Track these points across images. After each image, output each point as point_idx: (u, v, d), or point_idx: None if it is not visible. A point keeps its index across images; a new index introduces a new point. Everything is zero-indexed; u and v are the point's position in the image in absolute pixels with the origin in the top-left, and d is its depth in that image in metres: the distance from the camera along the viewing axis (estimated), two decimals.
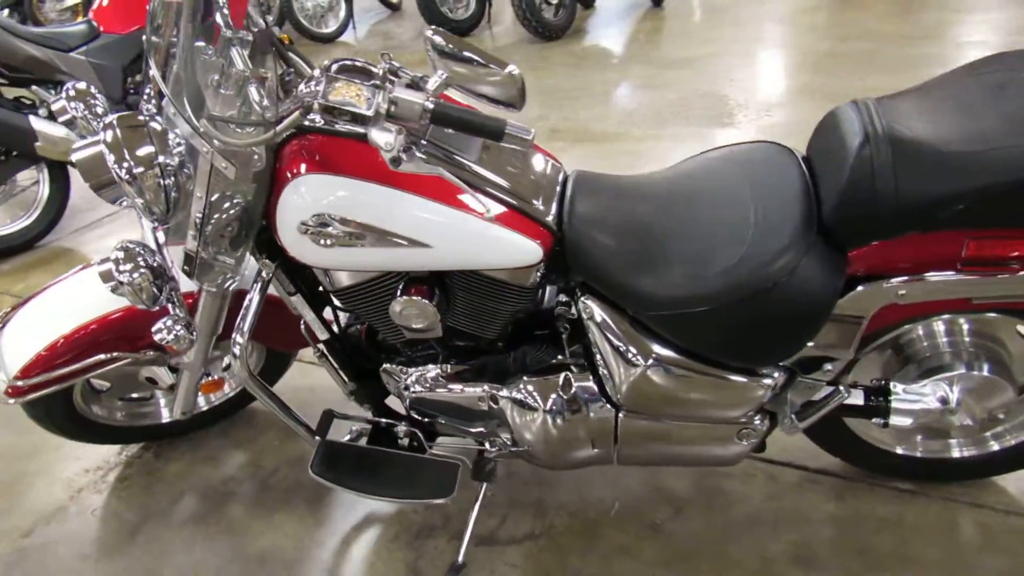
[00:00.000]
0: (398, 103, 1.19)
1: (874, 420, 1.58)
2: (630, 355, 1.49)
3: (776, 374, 1.49)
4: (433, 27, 1.20)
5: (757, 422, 1.54)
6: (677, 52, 5.27)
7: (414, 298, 1.47)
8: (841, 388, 1.51)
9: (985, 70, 1.42)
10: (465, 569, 1.68)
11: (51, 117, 3.28)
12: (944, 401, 1.54)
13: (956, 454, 1.74)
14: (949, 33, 4.84)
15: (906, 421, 1.55)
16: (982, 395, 1.54)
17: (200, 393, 2.01)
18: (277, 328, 1.79)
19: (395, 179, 1.37)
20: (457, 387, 1.65)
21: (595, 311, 1.50)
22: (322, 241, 1.38)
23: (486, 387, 1.63)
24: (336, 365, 1.70)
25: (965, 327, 1.56)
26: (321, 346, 1.68)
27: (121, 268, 1.42)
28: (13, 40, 3.21)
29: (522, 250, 1.41)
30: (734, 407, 1.51)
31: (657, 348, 1.47)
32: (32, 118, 3.22)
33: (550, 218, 1.46)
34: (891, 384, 1.57)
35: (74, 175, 3.58)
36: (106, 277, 1.44)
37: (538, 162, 1.55)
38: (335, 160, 1.36)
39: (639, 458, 1.64)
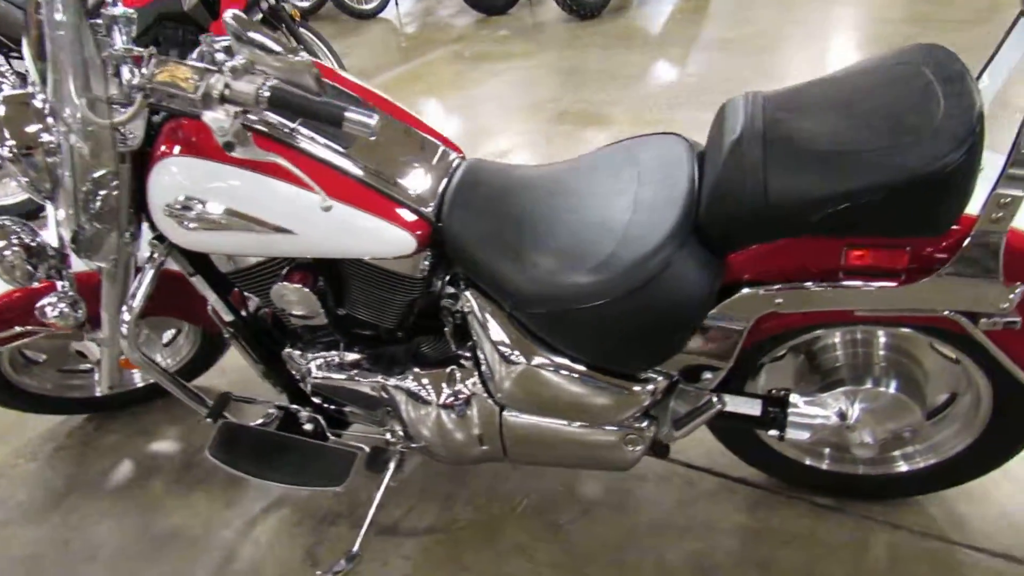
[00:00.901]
0: (232, 87, 1.17)
1: (771, 432, 1.50)
2: (507, 353, 1.44)
3: (657, 380, 1.42)
4: (233, 12, 1.17)
5: (642, 428, 1.48)
6: (715, 33, 5.09)
7: (293, 284, 1.46)
8: (714, 398, 1.44)
9: (895, 62, 1.32)
10: (359, 559, 1.67)
11: None
12: (843, 416, 1.45)
13: (861, 471, 1.64)
14: (998, 16, 4.56)
15: (803, 435, 1.46)
16: (885, 414, 1.44)
17: (130, 369, 2.05)
18: (203, 309, 1.80)
19: (260, 164, 1.35)
20: (353, 376, 1.64)
21: (475, 305, 1.46)
22: (188, 224, 1.37)
23: (380, 377, 1.61)
24: (245, 347, 1.71)
25: (875, 340, 1.47)
26: (228, 327, 1.68)
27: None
28: (14, 11, 3.29)
29: (393, 240, 1.38)
30: (613, 412, 1.45)
31: (533, 347, 1.43)
32: None
33: (429, 208, 1.42)
34: (791, 396, 1.48)
35: None
36: None
37: (431, 150, 1.51)
38: (200, 143, 1.35)
39: (528, 457, 1.60)
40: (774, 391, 1.51)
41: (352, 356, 1.65)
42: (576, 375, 1.42)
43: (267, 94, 1.19)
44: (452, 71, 5.10)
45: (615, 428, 1.48)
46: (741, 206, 1.20)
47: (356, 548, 1.69)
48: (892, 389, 1.43)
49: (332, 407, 1.74)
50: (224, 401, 1.72)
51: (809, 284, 1.27)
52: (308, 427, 1.76)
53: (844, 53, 4.36)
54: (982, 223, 1.15)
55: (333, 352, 1.66)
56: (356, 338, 1.66)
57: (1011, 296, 1.20)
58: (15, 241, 1.45)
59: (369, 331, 1.64)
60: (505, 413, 1.52)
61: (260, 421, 1.79)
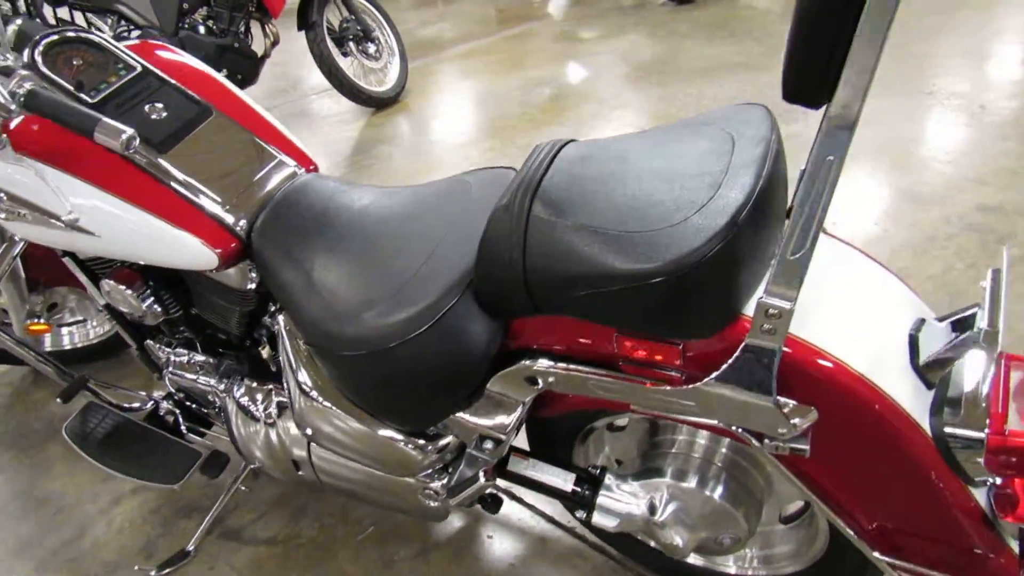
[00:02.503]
0: None
1: (577, 513, 1.35)
2: (305, 386, 1.36)
3: (437, 441, 1.31)
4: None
5: (435, 485, 1.36)
6: None
7: (117, 284, 1.45)
8: (481, 473, 1.30)
9: (705, 122, 1.13)
10: (189, 558, 1.66)
11: None
12: (652, 511, 1.28)
13: (691, 561, 1.46)
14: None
15: (609, 523, 1.30)
16: (703, 519, 1.26)
17: (43, 333, 2.12)
18: None
19: (66, 163, 1.33)
20: (198, 378, 1.61)
21: (283, 330, 1.39)
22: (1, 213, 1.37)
23: (213, 381, 1.58)
24: (120, 329, 1.71)
25: (705, 432, 1.28)
26: (103, 308, 1.70)
27: None
28: None
29: (194, 253, 1.33)
30: (402, 465, 1.34)
31: (326, 385, 1.34)
32: None
33: (242, 223, 1.35)
34: (607, 475, 1.32)
35: None
36: None
37: (266, 162, 1.44)
38: (13, 135, 1.34)
39: (343, 493, 1.52)
40: (592, 467, 1.36)
41: (201, 357, 1.62)
42: (363, 423, 1.33)
43: (23, 97, 1.16)
44: (526, 49, 4.96)
45: (412, 480, 1.38)
46: (502, 273, 1.07)
47: (190, 547, 1.68)
48: (716, 495, 1.24)
49: (191, 404, 1.73)
50: (79, 384, 1.74)
51: (581, 369, 1.12)
52: (170, 420, 1.76)
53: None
54: (753, 334, 0.96)
55: (186, 350, 1.64)
56: (211, 340, 1.63)
57: (792, 421, 1.00)
58: None
59: (222, 335, 1.61)
60: (313, 445, 1.45)
61: (134, 406, 1.81)
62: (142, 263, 1.41)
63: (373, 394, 1.24)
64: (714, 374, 1.01)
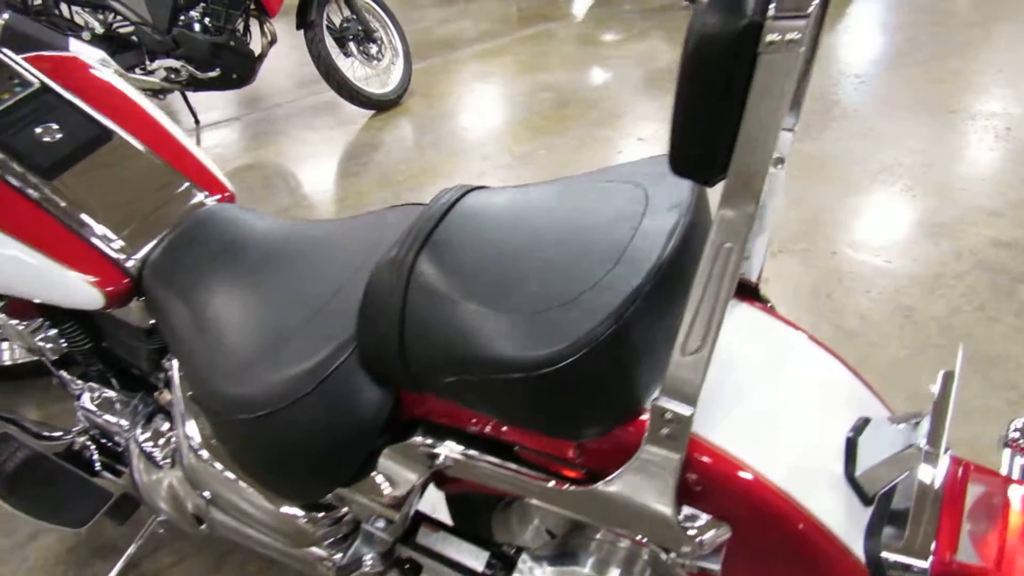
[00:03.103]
0: None
1: None
2: (189, 436, 1.24)
3: (333, 513, 1.18)
4: None
5: (331, 560, 1.23)
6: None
7: (4, 316, 1.34)
8: (370, 558, 1.17)
9: (622, 179, 0.98)
10: None
11: (94, 40, 3.45)
12: None
13: None
14: None
15: None
16: None
17: None
18: None
19: None
20: (103, 414, 1.51)
21: (175, 373, 1.27)
22: None
23: (122, 421, 1.47)
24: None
25: None
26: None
27: None
28: None
29: (77, 291, 1.22)
30: (292, 537, 1.22)
31: (210, 444, 1.22)
32: (72, 40, 3.39)
33: (133, 260, 1.24)
34: (523, 555, 1.18)
35: None
36: None
37: (171, 189, 1.32)
38: None
39: (235, 542, 1.40)
40: (508, 546, 1.22)
41: (112, 394, 1.51)
42: (249, 487, 1.20)
43: None
44: (541, 51, 4.81)
45: (308, 551, 1.25)
46: (379, 342, 0.93)
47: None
48: None
49: (105, 441, 1.62)
50: None
51: (472, 454, 0.98)
52: (86, 456, 1.65)
53: None
54: (650, 438, 0.81)
55: (98, 384, 1.53)
56: (126, 376, 1.52)
57: (699, 539, 0.85)
58: None
59: (136, 371, 1.50)
60: (209, 504, 1.33)
61: (53, 438, 1.71)
62: (20, 297, 1.30)
63: (251, 462, 1.11)
64: (610, 477, 0.87)
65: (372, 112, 4.00)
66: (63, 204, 1.22)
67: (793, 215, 2.77)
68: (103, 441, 1.62)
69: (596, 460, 0.91)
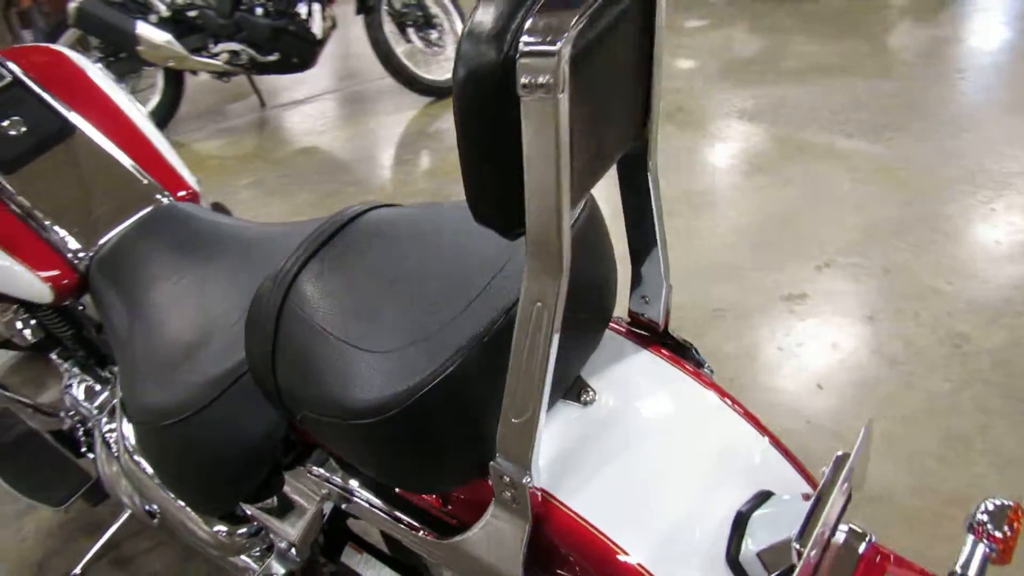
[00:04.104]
0: None
1: None
2: (123, 433, 1.24)
3: (243, 526, 1.15)
4: None
5: (250, 571, 1.20)
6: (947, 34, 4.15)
7: None
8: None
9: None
10: None
11: (160, 23, 3.55)
12: None
13: None
14: None
15: None
16: None
17: None
18: None
19: None
20: (80, 399, 1.53)
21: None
22: None
23: (93, 408, 1.49)
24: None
25: None
26: None
27: None
28: None
29: (27, 285, 1.23)
30: (212, 545, 1.19)
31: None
32: (139, 23, 3.51)
33: (81, 255, 1.24)
34: None
35: (189, 83, 3.88)
36: None
37: (130, 186, 1.31)
38: None
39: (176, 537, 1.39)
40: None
41: (90, 380, 1.54)
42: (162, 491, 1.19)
43: None
44: None
45: (233, 560, 1.23)
46: (258, 364, 0.88)
47: (77, 570, 1.62)
48: None
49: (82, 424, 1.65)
50: None
51: (352, 488, 0.92)
52: (75, 437, 1.69)
53: None
54: (498, 500, 0.74)
55: (79, 369, 1.56)
56: (105, 364, 1.55)
57: None
58: None
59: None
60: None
61: (50, 416, 1.75)
62: None
63: (161, 469, 1.10)
64: (464, 535, 0.80)
65: (430, 99, 3.97)
66: (20, 198, 1.23)
67: (850, 223, 2.56)
68: (88, 425, 1.65)
69: (463, 511, 0.84)
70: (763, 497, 0.78)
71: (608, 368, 0.87)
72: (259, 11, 3.61)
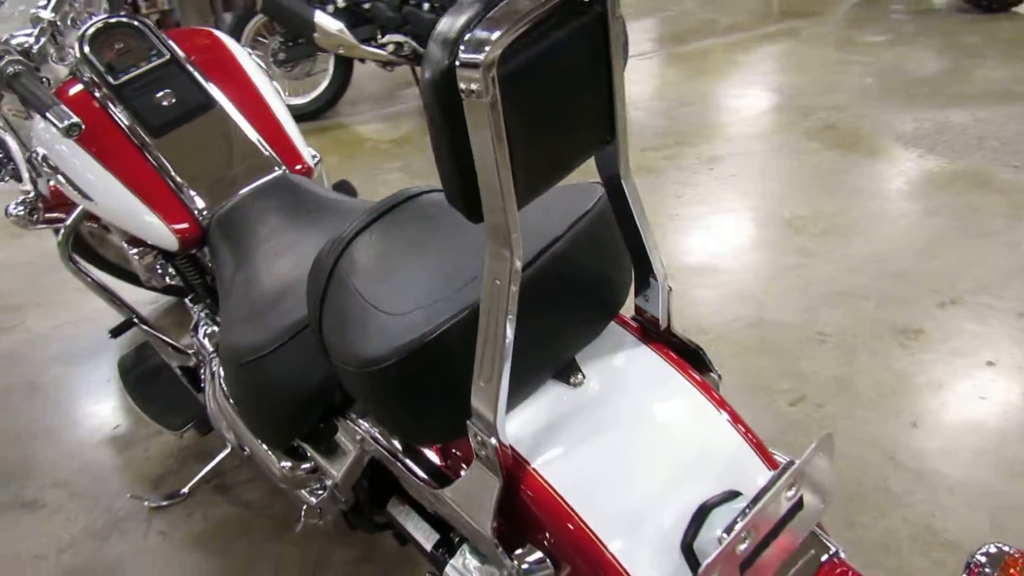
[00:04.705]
0: None
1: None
2: (214, 371, 1.42)
3: (304, 463, 1.29)
4: None
5: (307, 504, 1.34)
6: None
7: (126, 244, 1.61)
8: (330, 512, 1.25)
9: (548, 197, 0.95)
10: (179, 499, 1.83)
11: (336, 13, 3.85)
12: None
13: None
14: None
15: None
16: None
17: None
18: None
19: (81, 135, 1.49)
20: (202, 342, 1.75)
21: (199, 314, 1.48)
22: (44, 169, 1.58)
23: (210, 350, 1.70)
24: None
25: None
26: None
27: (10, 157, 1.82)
28: None
29: (157, 232, 1.44)
30: (279, 478, 1.34)
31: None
32: (317, 12, 3.83)
33: (204, 213, 1.44)
34: (462, 547, 1.20)
35: (357, 70, 4.18)
36: None
37: (252, 157, 1.50)
38: None
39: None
40: (454, 533, 1.25)
41: (214, 328, 1.75)
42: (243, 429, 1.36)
43: (6, 76, 1.33)
44: (777, 50, 4.55)
45: (298, 492, 1.38)
46: (310, 311, 1.01)
47: (185, 490, 1.85)
48: None
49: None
50: (127, 324, 1.96)
51: (376, 438, 1.03)
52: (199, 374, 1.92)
53: None
54: (476, 457, 0.82)
55: (207, 314, 1.78)
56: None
57: (522, 567, 0.83)
58: None
59: None
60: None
61: (181, 352, 2.00)
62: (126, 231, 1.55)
63: (236, 402, 1.26)
64: (451, 486, 0.88)
65: None
66: (162, 159, 1.44)
67: (991, 262, 2.39)
68: (205, 363, 1.88)
69: (459, 467, 0.92)
70: (731, 496, 0.81)
71: (604, 357, 0.92)
72: (426, 6, 3.83)
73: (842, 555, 0.85)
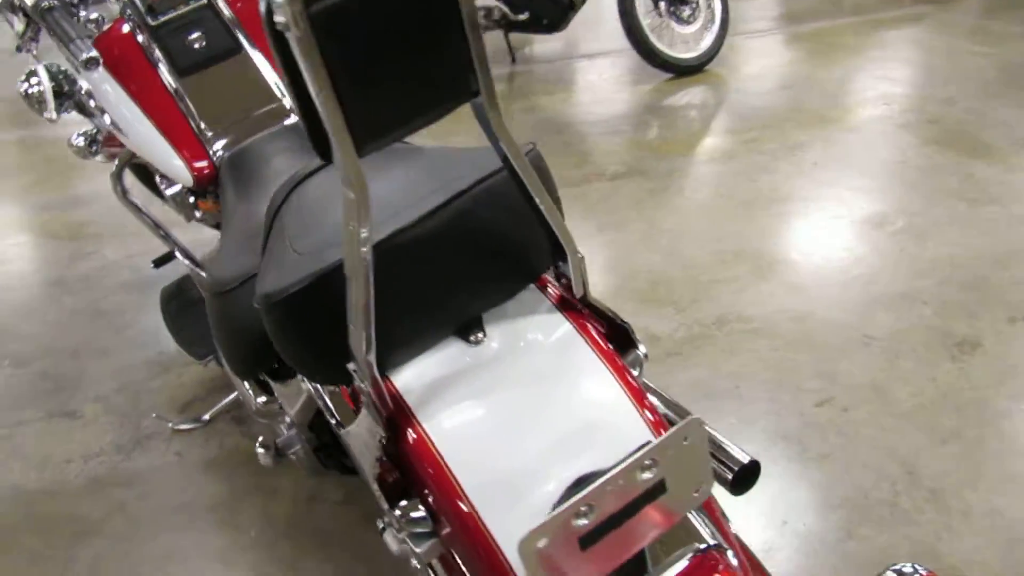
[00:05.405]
0: None
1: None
2: None
3: (268, 398, 1.33)
4: None
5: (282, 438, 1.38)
6: None
7: (158, 177, 1.69)
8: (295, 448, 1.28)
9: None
10: (199, 425, 1.93)
11: None
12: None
13: None
14: None
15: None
16: None
17: None
18: None
19: (116, 69, 1.57)
20: None
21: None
22: (90, 103, 1.69)
23: None
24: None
25: None
26: None
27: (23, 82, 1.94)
28: None
29: (175, 168, 1.52)
30: (252, 404, 1.39)
31: None
32: None
33: (219, 153, 1.49)
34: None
35: None
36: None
37: (268, 102, 1.54)
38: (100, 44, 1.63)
39: None
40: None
41: None
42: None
43: (42, 7, 1.42)
44: (896, 36, 4.25)
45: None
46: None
47: (206, 416, 1.95)
48: None
49: None
50: (168, 257, 2.06)
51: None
52: None
53: None
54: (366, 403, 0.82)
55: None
56: None
57: (401, 519, 0.84)
58: (39, 82, 1.94)
59: None
60: None
61: None
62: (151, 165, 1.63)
63: (212, 332, 1.32)
64: (347, 429, 0.89)
65: (668, 76, 3.92)
66: (187, 98, 1.50)
67: None
68: None
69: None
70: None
71: (511, 319, 0.90)
72: None
73: (729, 552, 0.80)
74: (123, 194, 1.93)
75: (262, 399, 1.35)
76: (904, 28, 4.36)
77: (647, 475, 0.70)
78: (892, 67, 3.83)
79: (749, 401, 1.86)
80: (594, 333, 0.89)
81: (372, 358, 0.76)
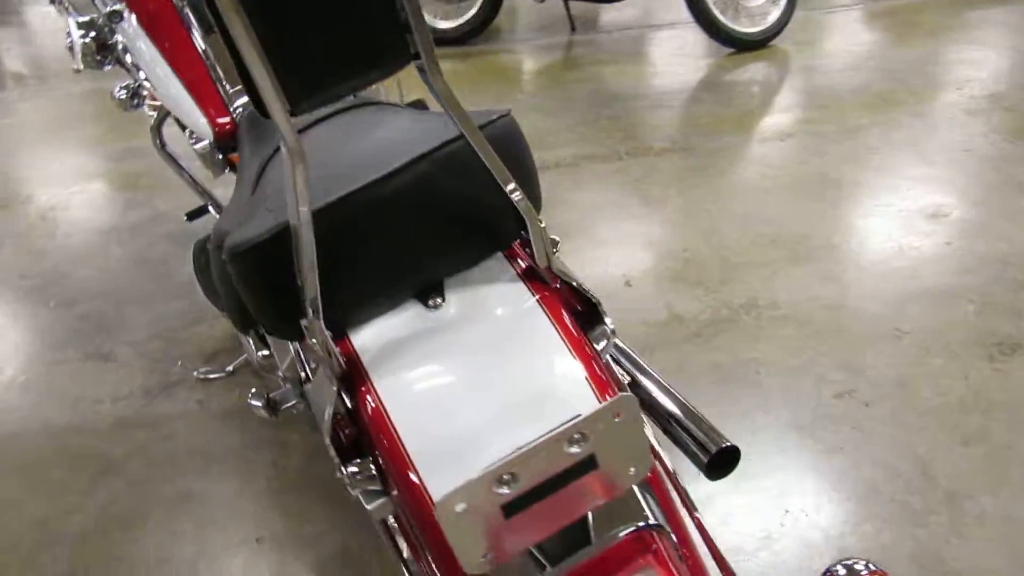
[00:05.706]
0: None
1: None
2: None
3: (268, 353, 1.36)
4: None
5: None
6: None
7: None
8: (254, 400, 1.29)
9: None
10: (222, 375, 1.99)
11: None
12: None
13: None
14: None
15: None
16: None
17: None
18: None
19: (149, 26, 1.61)
20: None
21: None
22: (126, 58, 1.74)
23: None
24: None
25: None
26: None
27: (70, 34, 2.00)
28: None
29: (197, 123, 1.55)
30: (255, 358, 1.42)
31: None
32: None
33: (239, 112, 1.52)
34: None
35: (516, 2, 4.16)
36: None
37: None
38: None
39: None
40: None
41: None
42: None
43: None
44: (992, 17, 4.02)
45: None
46: None
47: (230, 367, 2.01)
48: None
49: None
50: (201, 211, 2.11)
51: None
52: None
53: None
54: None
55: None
56: None
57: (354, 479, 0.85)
58: (86, 35, 2.00)
59: None
60: None
61: None
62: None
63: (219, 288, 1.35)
64: (307, 384, 0.91)
65: (730, 51, 3.80)
66: (212, 56, 1.53)
67: None
68: None
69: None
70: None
71: (472, 286, 0.89)
72: None
73: (668, 534, 0.79)
74: (161, 147, 1.98)
75: (263, 352, 1.39)
76: (991, 9, 4.12)
77: (575, 449, 0.69)
78: (971, 51, 3.62)
79: (767, 389, 1.82)
80: (557, 303, 0.88)
81: (319, 315, 0.77)
